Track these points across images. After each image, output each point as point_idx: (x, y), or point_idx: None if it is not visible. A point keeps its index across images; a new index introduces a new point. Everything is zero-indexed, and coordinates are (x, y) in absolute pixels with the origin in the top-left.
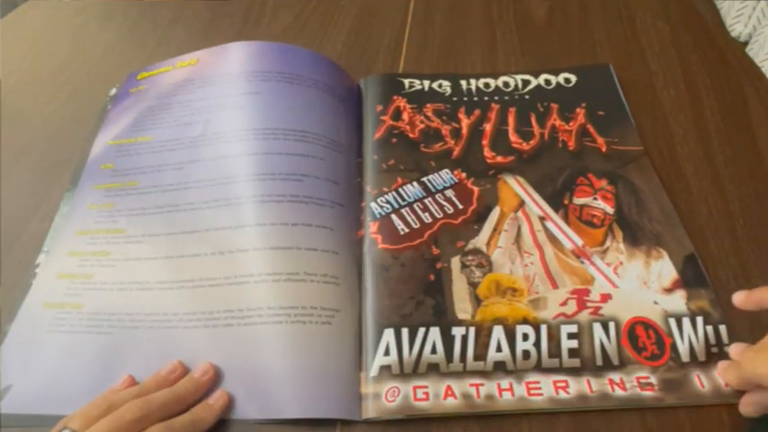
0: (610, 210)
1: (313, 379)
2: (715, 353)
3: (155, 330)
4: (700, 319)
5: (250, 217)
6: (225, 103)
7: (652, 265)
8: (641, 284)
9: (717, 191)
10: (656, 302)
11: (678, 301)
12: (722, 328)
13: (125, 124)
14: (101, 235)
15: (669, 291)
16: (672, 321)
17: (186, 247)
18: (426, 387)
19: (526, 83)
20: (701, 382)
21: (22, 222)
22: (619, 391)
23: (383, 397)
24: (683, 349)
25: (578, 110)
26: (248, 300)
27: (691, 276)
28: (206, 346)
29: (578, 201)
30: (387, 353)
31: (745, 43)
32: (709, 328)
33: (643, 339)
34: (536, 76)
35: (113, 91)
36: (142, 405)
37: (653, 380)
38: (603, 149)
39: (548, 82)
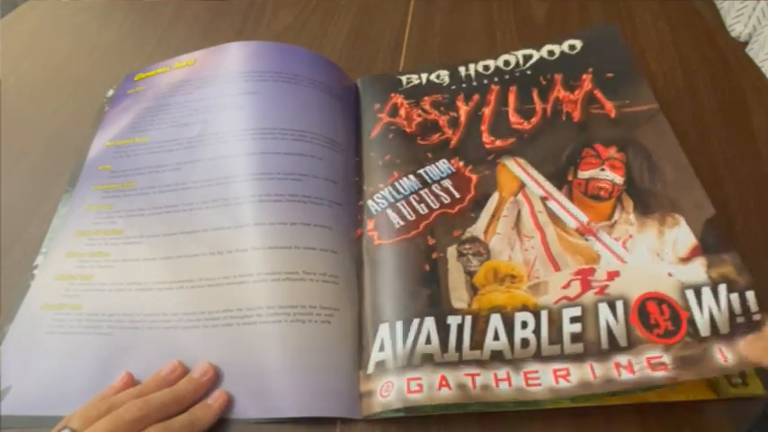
0: (619, 179)
1: (313, 378)
2: (741, 323)
3: (154, 331)
4: (722, 288)
5: (249, 217)
6: (222, 103)
7: (666, 234)
8: (653, 256)
9: (717, 191)
10: (670, 274)
11: (697, 270)
12: (749, 294)
13: (123, 125)
14: (99, 236)
15: (686, 260)
16: (689, 293)
17: (185, 247)
18: (420, 378)
19: (528, 58)
20: (723, 355)
21: (21, 224)
22: (626, 375)
23: (378, 393)
24: (702, 322)
25: (584, 76)
26: (247, 299)
27: (712, 241)
28: (205, 345)
29: (584, 174)
30: (381, 348)
31: (746, 43)
32: (734, 297)
33: (655, 316)
34: (538, 48)
35: (110, 92)
36: (141, 405)
37: (666, 359)
38: (612, 115)
39: (551, 53)
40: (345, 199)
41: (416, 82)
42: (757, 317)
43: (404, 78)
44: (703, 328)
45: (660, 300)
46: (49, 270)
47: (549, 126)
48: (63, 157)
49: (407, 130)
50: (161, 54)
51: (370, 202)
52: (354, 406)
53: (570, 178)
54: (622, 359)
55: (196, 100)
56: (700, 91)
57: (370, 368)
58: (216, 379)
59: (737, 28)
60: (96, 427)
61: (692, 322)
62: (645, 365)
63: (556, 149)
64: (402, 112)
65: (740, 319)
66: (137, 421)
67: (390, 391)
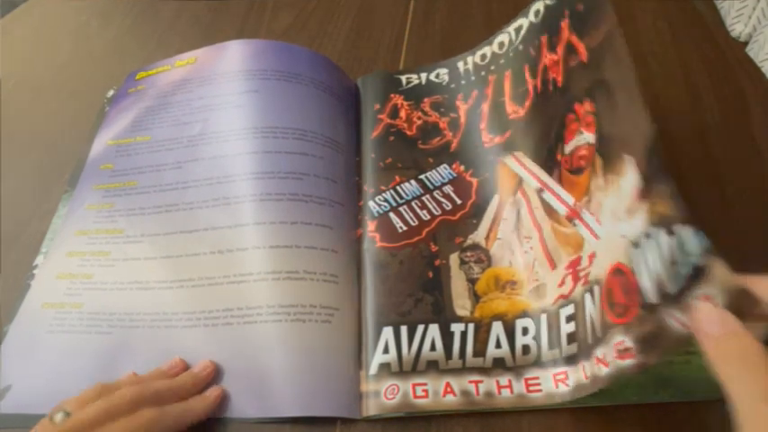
0: (592, 138)
1: (313, 377)
2: (685, 274)
3: (154, 330)
4: (662, 233)
5: (249, 215)
6: (223, 101)
7: (621, 185)
8: (615, 221)
9: (717, 191)
10: (623, 236)
11: (640, 219)
12: (686, 233)
13: (124, 124)
14: (100, 235)
15: (632, 210)
16: (635, 252)
17: (185, 246)
18: (426, 384)
19: (518, 30)
20: (679, 321)
21: (21, 224)
22: (604, 370)
23: (383, 395)
24: (649, 286)
25: (562, 24)
26: (248, 298)
27: (651, 173)
28: (205, 345)
29: (568, 147)
30: (386, 351)
31: (745, 43)
32: (672, 240)
33: (616, 292)
34: (527, 14)
35: (111, 92)
36: (136, 388)
37: (628, 342)
38: (584, 57)
39: (537, 13)
40: (346, 199)
41: (416, 82)
42: (700, 261)
43: (403, 78)
44: (650, 293)
45: (620, 271)
46: (50, 269)
47: (540, 104)
48: (63, 156)
49: (408, 133)
50: (161, 54)
51: (371, 204)
52: (354, 406)
53: (559, 157)
54: (600, 352)
55: (197, 98)
56: (700, 91)
57: (373, 369)
58: (215, 375)
59: (737, 28)
60: (90, 407)
61: (640, 290)
62: (614, 355)
63: (546, 128)
64: (402, 113)
65: (684, 270)
66: (130, 403)
67: (396, 394)
